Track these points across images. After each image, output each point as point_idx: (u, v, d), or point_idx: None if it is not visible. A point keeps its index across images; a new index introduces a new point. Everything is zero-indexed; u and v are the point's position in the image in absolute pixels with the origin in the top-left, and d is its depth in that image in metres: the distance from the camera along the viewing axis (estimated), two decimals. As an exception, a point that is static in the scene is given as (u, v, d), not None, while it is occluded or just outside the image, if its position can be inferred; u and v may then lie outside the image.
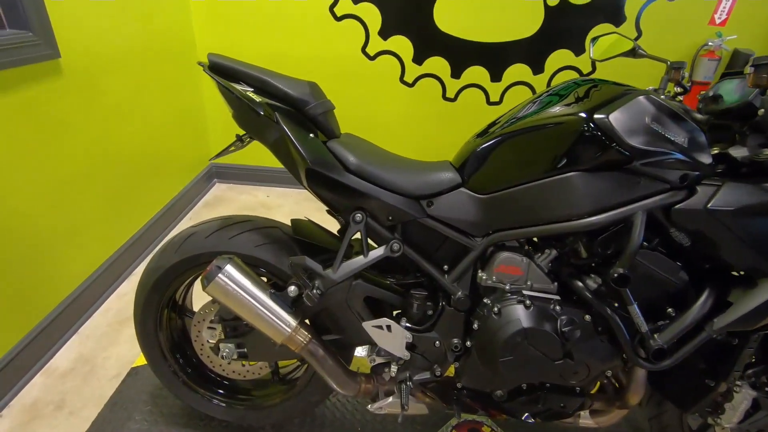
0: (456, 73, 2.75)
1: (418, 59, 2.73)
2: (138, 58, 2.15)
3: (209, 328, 1.28)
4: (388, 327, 1.11)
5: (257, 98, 1.02)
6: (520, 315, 1.02)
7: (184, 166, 2.76)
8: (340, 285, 1.12)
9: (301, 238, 1.20)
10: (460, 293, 1.09)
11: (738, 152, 0.96)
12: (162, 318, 1.27)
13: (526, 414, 1.15)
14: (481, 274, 1.08)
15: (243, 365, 1.32)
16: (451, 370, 1.21)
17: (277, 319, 1.06)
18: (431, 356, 1.14)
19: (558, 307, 1.03)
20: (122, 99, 2.05)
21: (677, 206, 0.92)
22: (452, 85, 2.79)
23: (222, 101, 1.07)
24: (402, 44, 2.70)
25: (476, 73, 2.74)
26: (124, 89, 2.05)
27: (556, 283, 1.07)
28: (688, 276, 1.00)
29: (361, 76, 2.79)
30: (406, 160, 1.15)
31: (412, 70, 2.76)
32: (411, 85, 2.80)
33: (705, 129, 0.99)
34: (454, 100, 2.83)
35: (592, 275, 1.03)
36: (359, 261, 1.07)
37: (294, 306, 1.11)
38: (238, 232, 1.19)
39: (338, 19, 2.67)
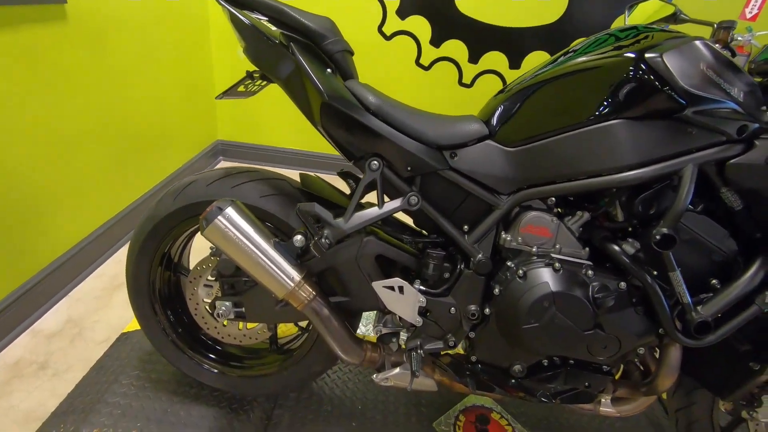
0: (474, 58, 2.67)
1: (436, 41, 2.65)
2: (149, 23, 2.08)
3: (206, 285, 1.19)
4: (401, 288, 1.01)
5: (272, 27, 0.93)
6: (548, 278, 0.92)
7: (190, 141, 2.68)
8: (350, 241, 1.03)
9: (310, 191, 1.11)
10: (480, 255, 1.00)
11: None
12: (154, 271, 1.18)
13: (544, 393, 1.04)
14: (505, 236, 0.99)
15: (240, 329, 1.22)
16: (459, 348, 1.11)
17: (280, 271, 0.97)
18: (445, 324, 1.05)
19: (591, 272, 0.93)
20: (130, 62, 1.97)
21: (733, 161, 0.83)
22: (469, 71, 2.70)
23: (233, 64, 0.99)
24: (420, 25, 2.62)
25: (495, 59, 2.65)
26: (132, 52, 1.97)
27: (587, 249, 0.97)
28: (737, 245, 0.90)
29: (376, 56, 2.71)
30: (429, 112, 1.06)
31: (429, 53, 2.68)
32: (427, 69, 2.72)
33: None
34: (470, 86, 2.74)
35: (629, 239, 0.93)
36: (373, 212, 0.98)
37: (299, 259, 1.02)
38: (243, 181, 1.10)
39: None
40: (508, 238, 0.98)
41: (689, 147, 0.85)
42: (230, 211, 0.94)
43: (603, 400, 1.17)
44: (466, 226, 1.02)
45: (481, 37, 2.61)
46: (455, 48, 2.65)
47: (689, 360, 1.09)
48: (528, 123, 0.94)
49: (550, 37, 2.56)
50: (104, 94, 1.83)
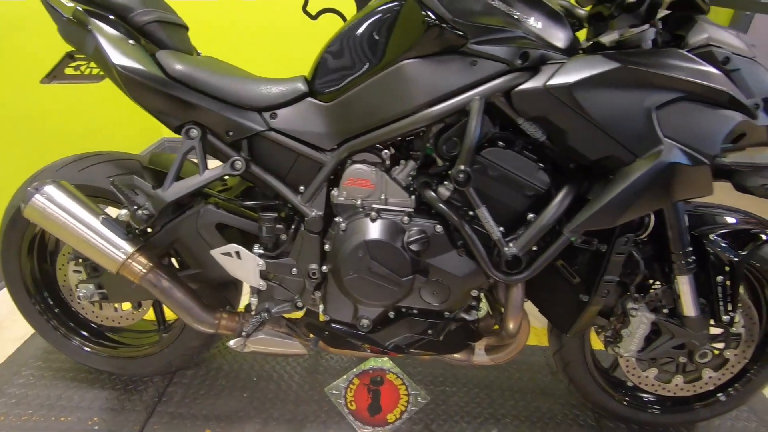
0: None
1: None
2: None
3: (75, 271, 1.21)
4: (238, 254, 1.02)
5: (70, 4, 0.93)
6: (363, 228, 0.92)
7: (132, 139, 2.68)
8: (189, 212, 1.04)
9: (159, 168, 1.12)
10: (313, 213, 1.00)
11: (608, 37, 0.85)
12: (24, 261, 1.20)
13: (394, 345, 1.05)
14: (334, 192, 0.99)
15: (116, 310, 1.25)
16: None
17: (110, 245, 0.98)
18: (290, 285, 1.05)
19: (407, 219, 0.93)
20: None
21: (517, 89, 0.81)
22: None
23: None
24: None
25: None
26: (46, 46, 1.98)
27: (413, 197, 0.97)
28: (550, 177, 0.89)
29: (306, 36, 2.68)
30: (256, 76, 1.06)
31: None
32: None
33: (578, 20, 0.90)
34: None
35: (446, 183, 0.93)
36: (194, 180, 0.98)
37: (139, 234, 1.03)
38: (91, 163, 1.11)
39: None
40: (335, 194, 0.98)
41: (476, 79, 0.83)
42: (49, 189, 0.95)
43: (477, 350, 1.18)
44: (302, 187, 1.02)
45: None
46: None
47: (539, 298, 1.09)
48: (335, 77, 0.93)
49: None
50: (19, 90, 1.83)
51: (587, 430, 1.28)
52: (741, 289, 1.06)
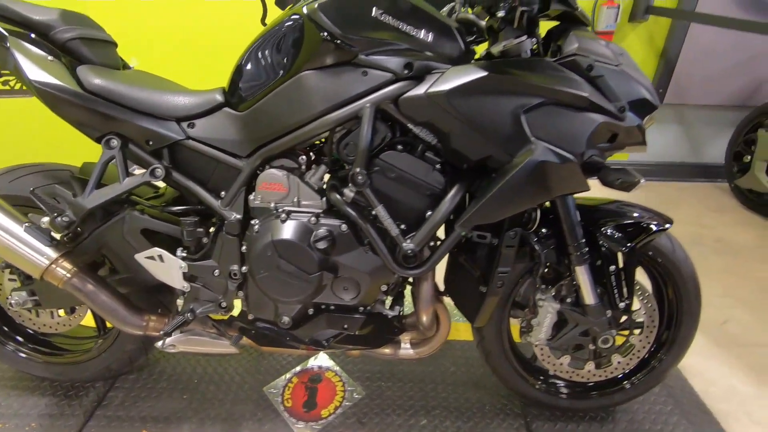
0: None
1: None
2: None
3: (10, 279, 1.24)
4: (161, 257, 1.07)
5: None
6: (272, 229, 0.98)
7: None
8: (115, 218, 1.08)
9: (87, 177, 1.16)
10: (232, 217, 1.05)
11: (495, 48, 0.93)
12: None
13: (315, 340, 1.10)
14: (251, 196, 1.04)
15: (52, 317, 1.28)
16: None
17: (33, 252, 1.02)
18: (213, 286, 1.10)
19: (315, 219, 0.99)
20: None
21: (402, 97, 0.89)
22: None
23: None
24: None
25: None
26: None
27: (324, 199, 1.03)
28: (449, 177, 0.96)
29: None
30: (180, 89, 1.11)
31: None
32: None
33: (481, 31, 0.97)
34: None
35: (350, 185, 0.99)
36: (114, 188, 1.03)
37: (67, 241, 1.07)
38: (22, 175, 1.15)
39: None
40: (252, 198, 1.04)
41: (367, 88, 0.90)
42: (-31, 200, 0.99)
43: (403, 344, 1.24)
44: (223, 192, 1.08)
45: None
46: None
47: (452, 292, 1.15)
48: (247, 86, 0.99)
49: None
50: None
51: (513, 418, 1.34)
52: (647, 280, 1.14)
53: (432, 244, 1.00)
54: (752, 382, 1.54)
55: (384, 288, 1.05)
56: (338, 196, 0.98)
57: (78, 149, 2.73)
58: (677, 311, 1.19)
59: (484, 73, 0.83)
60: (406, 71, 0.88)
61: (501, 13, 0.85)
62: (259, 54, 0.98)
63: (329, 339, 1.11)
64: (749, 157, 2.60)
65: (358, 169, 0.90)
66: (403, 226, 0.98)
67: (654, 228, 1.08)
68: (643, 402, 1.40)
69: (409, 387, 1.43)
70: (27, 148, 2.29)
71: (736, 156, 2.71)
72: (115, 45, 1.19)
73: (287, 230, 0.97)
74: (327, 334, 1.10)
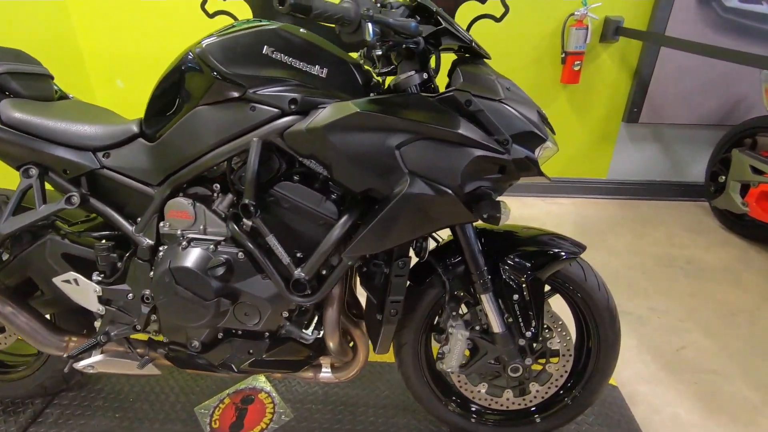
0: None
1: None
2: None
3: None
4: (76, 281, 1.11)
5: None
6: (172, 256, 1.02)
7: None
8: (38, 243, 1.13)
9: (24, 204, 1.22)
10: (144, 243, 1.09)
11: (392, 82, 0.96)
12: None
13: (224, 365, 1.13)
14: (162, 223, 1.08)
15: (-11, 336, 1.33)
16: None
17: (-51, 276, 1.07)
18: (128, 310, 1.14)
19: (214, 247, 1.02)
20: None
21: (287, 131, 0.92)
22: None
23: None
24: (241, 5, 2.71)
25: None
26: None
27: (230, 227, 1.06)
28: (341, 207, 0.98)
29: (203, 33, 2.82)
30: (114, 117, 1.17)
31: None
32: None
33: (368, 62, 1.00)
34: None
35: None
36: (30, 214, 1.08)
37: (-12, 265, 1.12)
38: (-44, 199, 1.22)
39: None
40: (161, 225, 1.08)
41: (255, 123, 0.94)
42: None
43: (323, 368, 1.25)
44: (140, 219, 1.12)
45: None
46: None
47: (365, 318, 1.17)
48: (157, 118, 1.04)
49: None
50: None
51: (438, 444, 1.33)
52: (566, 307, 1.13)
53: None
54: (698, 411, 1.51)
55: (286, 314, 1.07)
56: (235, 225, 1.01)
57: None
58: (595, 341, 1.18)
59: (353, 111, 0.86)
60: (291, 106, 0.92)
61: (378, 51, 0.88)
62: (165, 87, 1.02)
63: (239, 363, 1.13)
64: (724, 178, 2.56)
65: (247, 201, 0.93)
66: (299, 255, 1.00)
67: (562, 256, 1.09)
68: (577, 428, 1.37)
69: (340, 410, 1.43)
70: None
71: (713, 176, 2.67)
72: (51, 77, 1.26)
73: (185, 257, 1.00)
74: (235, 359, 1.12)
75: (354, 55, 1.03)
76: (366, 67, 1.01)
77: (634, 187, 3.06)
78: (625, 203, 3.04)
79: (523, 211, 2.90)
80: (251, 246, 0.98)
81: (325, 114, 0.88)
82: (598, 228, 2.71)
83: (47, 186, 1.13)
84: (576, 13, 2.61)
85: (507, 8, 2.62)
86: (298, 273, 0.97)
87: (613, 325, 1.16)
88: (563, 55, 2.68)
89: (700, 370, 1.69)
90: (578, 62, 2.65)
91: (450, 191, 0.88)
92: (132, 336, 1.20)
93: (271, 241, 0.96)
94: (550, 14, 2.63)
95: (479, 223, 1.23)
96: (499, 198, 0.90)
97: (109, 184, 1.10)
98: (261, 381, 1.52)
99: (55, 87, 1.28)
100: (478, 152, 0.88)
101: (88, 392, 1.49)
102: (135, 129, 1.09)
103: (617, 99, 2.82)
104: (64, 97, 1.29)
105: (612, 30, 2.62)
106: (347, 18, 0.74)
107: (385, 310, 1.02)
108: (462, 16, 2.69)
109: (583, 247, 1.13)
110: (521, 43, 2.69)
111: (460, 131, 0.86)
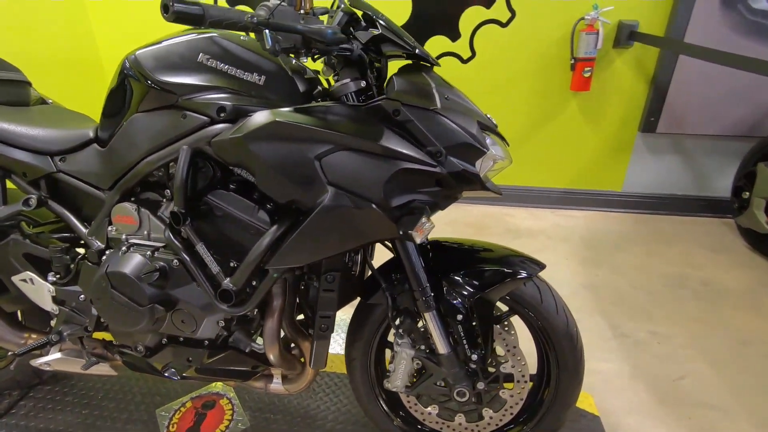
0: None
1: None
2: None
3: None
4: (32, 280, 1.15)
5: None
6: (110, 260, 1.03)
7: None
8: (2, 243, 1.18)
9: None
10: (95, 246, 1.11)
11: (332, 88, 0.94)
12: None
13: (168, 370, 1.12)
14: (109, 227, 1.10)
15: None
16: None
17: None
18: (80, 310, 1.16)
19: (152, 253, 1.02)
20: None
21: (213, 139, 0.90)
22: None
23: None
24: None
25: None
26: None
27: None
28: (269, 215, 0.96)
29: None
30: (86, 121, 1.21)
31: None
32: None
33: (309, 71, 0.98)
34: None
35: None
36: (-10, 215, 1.12)
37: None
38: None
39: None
40: (109, 229, 1.10)
41: (185, 130, 0.93)
42: None
43: (275, 379, 1.23)
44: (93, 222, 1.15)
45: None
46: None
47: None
48: (106, 124, 1.06)
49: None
50: None
51: (390, 466, 1.28)
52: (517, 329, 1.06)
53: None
54: (686, 451, 1.38)
55: (222, 323, 1.06)
56: (170, 233, 1.00)
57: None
58: (555, 367, 1.10)
59: (270, 120, 0.83)
60: (220, 114, 0.90)
61: (303, 60, 0.85)
62: (113, 93, 1.04)
63: (181, 370, 1.12)
64: (748, 194, 2.35)
65: (176, 208, 0.92)
66: (233, 264, 0.99)
67: (515, 275, 1.02)
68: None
69: (298, 421, 1.41)
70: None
71: (737, 191, 2.46)
72: (28, 84, 1.32)
73: (122, 262, 1.01)
74: (178, 365, 1.12)
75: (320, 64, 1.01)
76: (325, 76, 0.99)
77: (652, 201, 2.87)
78: (641, 218, 2.86)
79: (530, 222, 2.78)
80: (183, 254, 0.98)
81: (248, 123, 0.87)
82: (607, 243, 2.56)
83: (13, 187, 1.18)
84: (586, 17, 2.48)
85: (513, 13, 2.56)
86: (226, 283, 0.95)
87: (573, 351, 1.08)
88: (572, 62, 2.56)
89: (697, 405, 1.55)
90: (588, 69, 2.53)
91: (372, 204, 0.84)
92: (95, 336, 1.23)
93: (201, 249, 0.95)
94: (559, 19, 2.52)
95: (435, 236, 1.19)
96: (424, 215, 0.85)
97: (66, 187, 1.13)
98: (224, 387, 1.52)
99: (34, 93, 1.34)
100: (404, 164, 0.83)
101: (62, 387, 1.54)
102: (91, 134, 1.11)
103: (633, 107, 2.66)
104: (43, 102, 1.34)
105: (626, 35, 2.48)
106: (241, 25, 0.72)
107: (316, 324, 0.99)
108: (467, 21, 2.64)
109: (541, 266, 1.05)
110: (528, 49, 2.59)
111: (381, 143, 0.82)
